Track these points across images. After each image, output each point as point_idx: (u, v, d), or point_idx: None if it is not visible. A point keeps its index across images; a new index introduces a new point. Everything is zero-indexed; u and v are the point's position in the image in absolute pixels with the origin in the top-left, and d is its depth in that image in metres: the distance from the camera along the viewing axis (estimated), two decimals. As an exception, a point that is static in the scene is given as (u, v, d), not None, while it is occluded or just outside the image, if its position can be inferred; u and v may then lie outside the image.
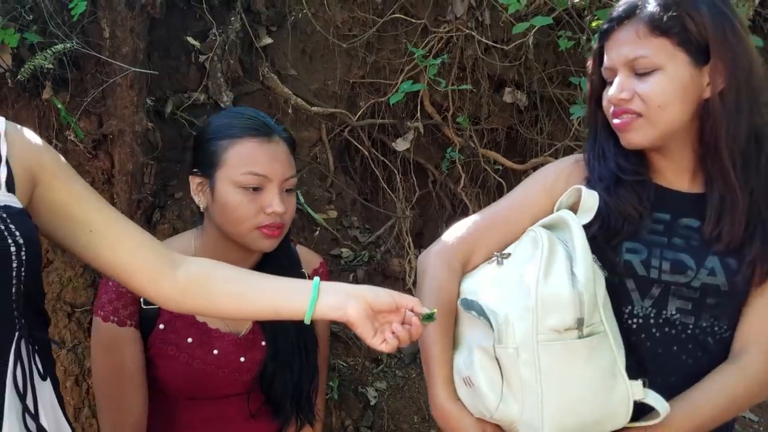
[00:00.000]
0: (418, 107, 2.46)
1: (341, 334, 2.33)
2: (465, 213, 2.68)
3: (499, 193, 2.65)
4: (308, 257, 1.59)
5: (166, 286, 1.09)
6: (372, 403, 2.29)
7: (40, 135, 1.93)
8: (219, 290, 1.10)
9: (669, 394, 1.16)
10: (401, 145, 2.50)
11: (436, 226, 2.73)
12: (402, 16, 2.32)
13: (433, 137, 2.63)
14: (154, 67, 1.98)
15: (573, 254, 1.14)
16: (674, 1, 1.13)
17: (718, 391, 1.19)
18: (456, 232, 1.33)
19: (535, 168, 2.36)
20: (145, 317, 1.40)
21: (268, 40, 2.22)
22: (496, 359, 1.12)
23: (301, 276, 1.53)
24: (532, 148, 2.69)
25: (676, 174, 1.26)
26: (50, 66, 1.69)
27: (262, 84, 2.29)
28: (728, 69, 1.14)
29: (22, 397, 0.94)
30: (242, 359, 1.43)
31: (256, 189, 1.33)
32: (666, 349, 1.22)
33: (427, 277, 1.28)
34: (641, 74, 1.15)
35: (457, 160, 2.52)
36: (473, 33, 2.33)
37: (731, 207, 1.18)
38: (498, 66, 2.47)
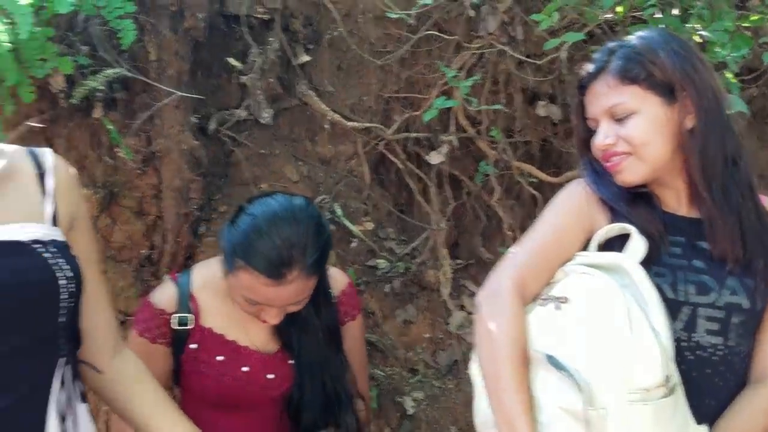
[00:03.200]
0: (452, 121, 2.50)
1: (378, 343, 2.37)
2: (500, 225, 2.70)
3: (533, 205, 2.66)
4: (337, 277, 1.63)
5: (105, 364, 1.15)
6: (410, 413, 2.32)
7: (92, 152, 2.07)
8: (131, 401, 1.18)
9: (708, 418, 1.18)
10: (435, 158, 2.54)
11: (471, 238, 2.75)
12: (435, 32, 2.37)
13: (467, 149, 2.66)
14: (198, 87, 2.08)
15: (644, 305, 1.12)
16: (636, 52, 1.24)
17: (754, 418, 1.20)
18: (510, 268, 1.26)
19: (569, 181, 2.36)
20: (177, 337, 1.47)
21: (306, 58, 2.30)
22: (585, 421, 1.07)
23: (328, 296, 1.57)
24: (567, 160, 2.69)
25: (676, 200, 1.30)
26: (101, 88, 1.80)
27: (300, 100, 2.37)
28: (695, 105, 1.22)
29: (62, 421, 0.99)
30: (270, 376, 1.49)
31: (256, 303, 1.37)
32: (700, 372, 1.22)
33: (496, 326, 1.19)
34: (620, 119, 1.24)
35: (491, 173, 2.55)
36: (506, 48, 2.36)
37: (722, 230, 1.22)
38: (531, 80, 2.49)
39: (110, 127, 1.85)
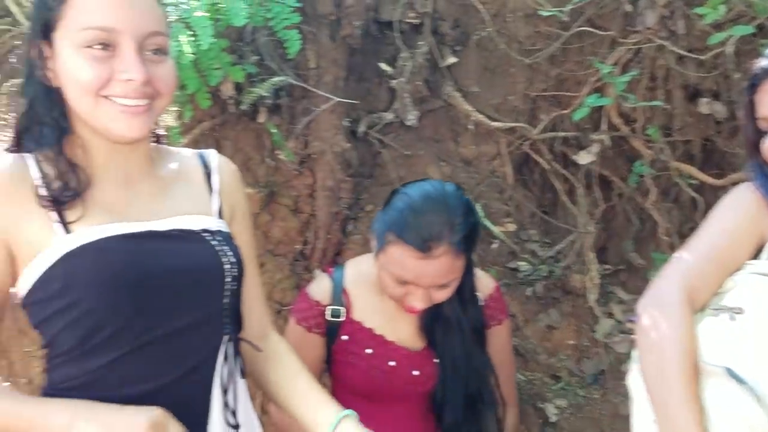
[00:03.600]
0: (604, 119, 2.40)
1: (520, 348, 2.34)
2: (654, 229, 2.55)
3: (692, 208, 2.48)
4: (484, 280, 1.63)
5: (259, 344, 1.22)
6: (552, 420, 2.26)
7: (255, 155, 2.23)
8: (281, 377, 1.23)
9: None
10: (585, 158, 2.44)
11: (621, 242, 2.62)
12: (588, 28, 2.28)
13: (619, 149, 2.53)
14: (350, 91, 2.16)
15: None
16: None
17: None
18: (678, 275, 1.19)
19: (734, 184, 2.18)
20: (330, 328, 1.54)
21: (453, 60, 2.31)
22: None
23: (475, 297, 1.57)
24: (731, 161, 2.48)
25: None
26: (266, 94, 1.93)
27: (444, 101, 2.38)
28: None
29: (224, 393, 1.09)
30: (415, 373, 1.52)
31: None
32: None
33: (665, 337, 1.13)
34: None
35: (646, 174, 2.41)
36: (665, 43, 2.22)
37: None
38: (693, 76, 2.32)
39: (273, 130, 1.98)
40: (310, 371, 1.44)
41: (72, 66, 0.97)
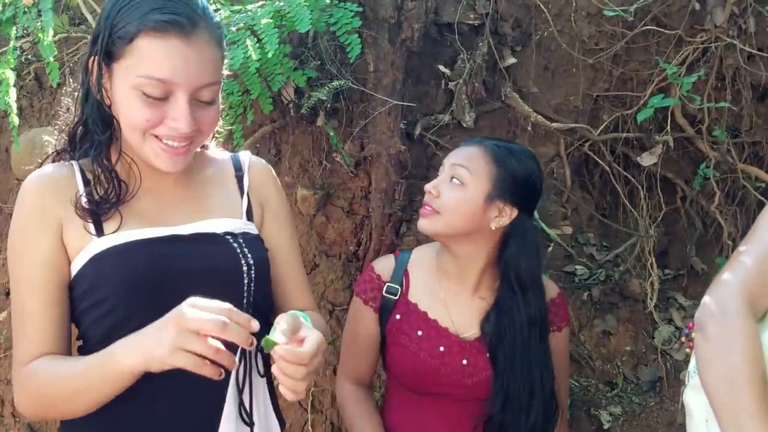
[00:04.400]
0: (668, 120, 2.33)
1: (574, 353, 2.31)
2: (718, 234, 2.47)
3: (759, 212, 2.39)
4: (547, 285, 1.61)
5: None
6: (605, 428, 2.23)
7: (313, 157, 2.26)
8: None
9: None
10: (647, 159, 2.38)
11: (683, 246, 2.55)
12: (654, 27, 2.22)
13: (683, 151, 2.46)
14: (407, 93, 2.16)
15: None
16: None
17: None
18: (738, 281, 1.12)
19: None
20: (384, 305, 1.58)
21: (512, 60, 2.28)
22: None
23: (537, 287, 1.54)
24: (804, 164, 2.38)
25: None
26: (325, 98, 1.95)
27: (502, 102, 2.35)
28: None
29: (240, 392, 1.11)
30: (464, 362, 1.51)
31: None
32: None
33: (730, 348, 1.08)
34: None
35: (711, 177, 2.34)
36: (735, 42, 2.13)
37: None
38: (763, 75, 2.23)
39: (331, 133, 2.00)
40: (364, 343, 1.53)
41: (126, 102, 1.03)
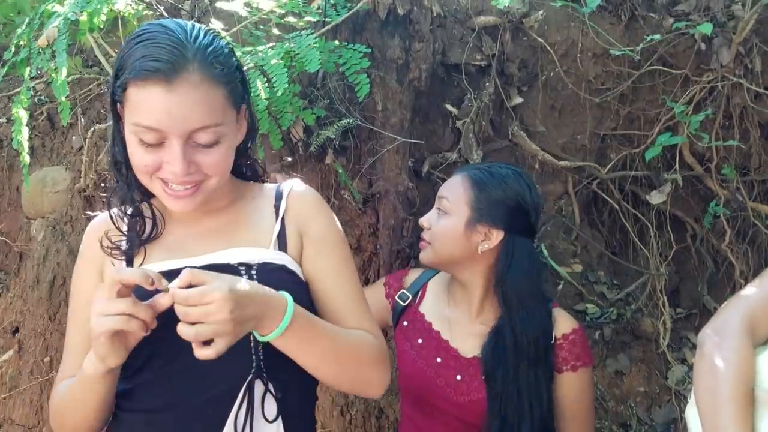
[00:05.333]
0: (677, 158, 2.33)
1: (587, 394, 2.26)
2: (730, 272, 2.45)
3: (772, 250, 2.37)
4: (561, 319, 1.58)
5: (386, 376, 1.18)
6: (620, 471, 2.18)
7: (321, 194, 2.26)
8: None
9: None
10: (656, 197, 2.38)
11: (694, 285, 2.52)
12: (660, 67, 2.24)
13: (693, 189, 2.46)
14: (415, 132, 2.18)
15: None
16: None
17: None
18: (741, 306, 1.18)
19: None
20: (395, 307, 1.68)
21: (519, 100, 2.30)
22: None
23: (548, 335, 1.54)
24: (815, 202, 2.37)
25: None
26: (333, 136, 1.97)
27: (510, 141, 2.37)
28: None
29: None
30: (458, 377, 1.52)
31: None
32: None
33: (721, 362, 1.13)
34: None
35: (721, 215, 2.33)
36: (741, 81, 2.15)
37: None
38: (772, 114, 2.24)
39: (340, 170, 2.01)
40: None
41: (129, 145, 1.06)
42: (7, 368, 2.30)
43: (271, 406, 1.08)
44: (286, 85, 1.59)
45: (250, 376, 1.07)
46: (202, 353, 0.95)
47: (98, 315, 0.95)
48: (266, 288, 1.02)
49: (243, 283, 0.99)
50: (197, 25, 1.07)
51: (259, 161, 1.30)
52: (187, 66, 1.00)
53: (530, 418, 1.48)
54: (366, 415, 2.16)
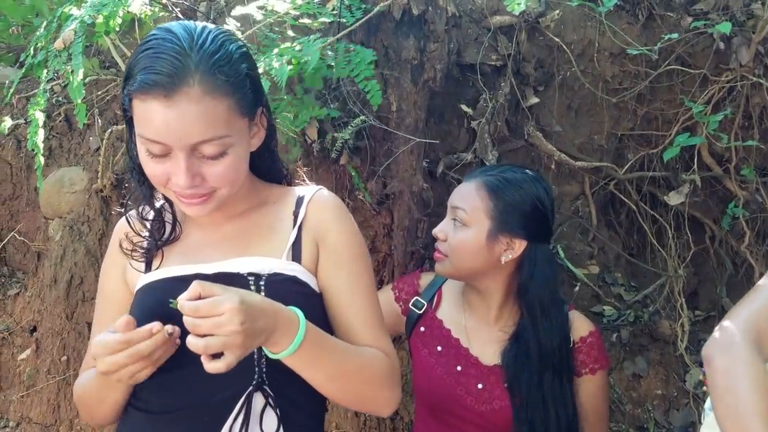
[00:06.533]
0: (695, 158, 2.30)
1: (604, 397, 2.24)
2: (749, 274, 2.41)
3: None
4: (578, 323, 1.58)
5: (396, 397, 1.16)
6: (637, 476, 2.15)
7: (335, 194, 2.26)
8: None
9: None
10: (674, 198, 2.35)
11: (713, 287, 2.49)
12: (678, 66, 2.21)
13: (711, 190, 2.43)
14: (430, 132, 2.17)
15: None
16: None
17: None
18: (745, 319, 1.13)
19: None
20: (410, 315, 1.63)
21: (535, 100, 2.28)
22: None
23: (567, 340, 1.53)
24: (837, 203, 2.33)
25: None
26: (347, 137, 1.96)
27: (525, 141, 2.35)
28: None
29: None
30: (479, 386, 1.50)
31: None
32: None
33: (737, 379, 1.09)
34: None
35: (741, 216, 2.30)
36: (761, 80, 2.12)
37: None
38: (792, 113, 2.21)
39: (354, 173, 2.01)
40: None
41: (140, 154, 1.07)
42: (25, 367, 2.32)
43: (272, 420, 1.06)
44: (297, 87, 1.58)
45: (250, 388, 1.05)
46: (212, 366, 0.93)
47: (103, 364, 1.00)
48: (277, 303, 1.01)
49: (254, 296, 0.98)
50: (208, 27, 1.05)
51: (285, 163, 1.28)
52: (187, 78, 0.97)
53: (557, 425, 1.47)
54: (380, 416, 2.16)
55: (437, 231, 1.55)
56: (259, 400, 1.06)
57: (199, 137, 0.99)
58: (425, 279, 1.70)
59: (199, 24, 1.06)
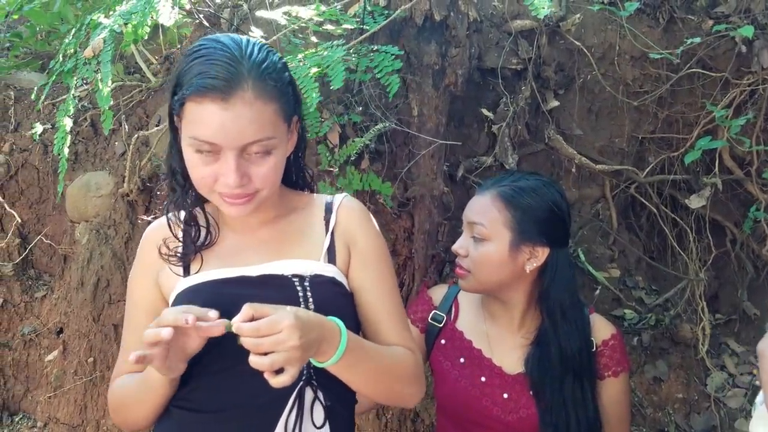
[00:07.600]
0: (716, 162, 2.30)
1: (625, 400, 2.24)
2: (771, 277, 2.41)
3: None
4: (600, 326, 1.57)
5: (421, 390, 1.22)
6: (659, 479, 2.15)
7: (356, 197, 2.28)
8: None
9: None
10: (696, 202, 2.34)
11: (734, 291, 2.48)
12: (699, 70, 2.21)
13: (733, 193, 2.41)
14: (450, 136, 2.18)
15: None
16: None
17: None
18: None
19: None
20: (429, 331, 1.61)
21: (555, 103, 2.29)
22: None
23: (589, 343, 1.54)
24: None
25: None
26: (369, 142, 1.98)
27: (546, 144, 2.35)
28: None
29: None
30: (505, 395, 1.49)
31: None
32: None
33: None
34: None
35: (762, 219, 2.28)
36: (785, 83, 2.11)
37: None
38: (816, 117, 2.19)
39: (374, 179, 2.03)
40: None
41: (187, 157, 1.10)
42: (52, 368, 2.37)
43: (319, 413, 1.12)
44: (320, 98, 1.60)
45: (300, 383, 1.10)
46: (277, 381, 0.97)
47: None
48: (321, 315, 1.06)
49: (303, 311, 1.03)
50: (251, 40, 1.11)
51: (309, 171, 1.32)
52: (242, 83, 1.03)
53: (577, 428, 1.47)
54: (402, 418, 2.17)
55: (457, 247, 1.54)
56: (308, 394, 1.11)
57: (251, 138, 1.05)
58: (437, 292, 1.68)
59: (243, 36, 1.11)
